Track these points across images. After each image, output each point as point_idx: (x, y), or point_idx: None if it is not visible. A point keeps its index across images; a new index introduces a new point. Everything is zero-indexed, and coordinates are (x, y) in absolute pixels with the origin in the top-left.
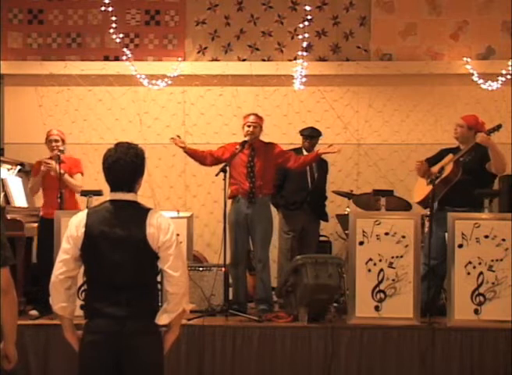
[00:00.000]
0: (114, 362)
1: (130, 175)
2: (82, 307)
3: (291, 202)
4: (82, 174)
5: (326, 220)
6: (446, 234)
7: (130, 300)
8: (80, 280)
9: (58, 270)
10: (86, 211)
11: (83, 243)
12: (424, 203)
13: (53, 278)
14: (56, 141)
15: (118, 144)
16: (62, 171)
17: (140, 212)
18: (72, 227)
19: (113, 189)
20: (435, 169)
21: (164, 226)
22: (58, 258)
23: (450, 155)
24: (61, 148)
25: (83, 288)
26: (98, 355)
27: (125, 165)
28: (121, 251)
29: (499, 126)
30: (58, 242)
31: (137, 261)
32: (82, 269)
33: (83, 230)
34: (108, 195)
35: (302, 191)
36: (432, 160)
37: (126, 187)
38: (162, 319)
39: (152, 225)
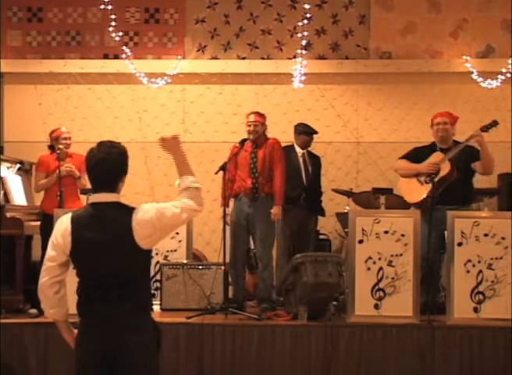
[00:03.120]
0: (107, 359)
1: (114, 174)
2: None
3: (286, 198)
4: None
5: (323, 215)
6: (445, 232)
7: (121, 297)
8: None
9: (44, 277)
10: (69, 216)
11: (72, 250)
12: (422, 204)
13: (40, 285)
14: (69, 138)
15: (100, 144)
16: (79, 175)
17: (124, 213)
18: (58, 235)
19: (96, 189)
20: (425, 168)
21: (146, 218)
22: (44, 266)
23: (439, 154)
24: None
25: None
26: (91, 353)
27: (108, 164)
28: (110, 253)
29: (495, 123)
30: None
31: (128, 261)
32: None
33: (69, 238)
34: None
35: (297, 188)
36: (409, 158)
37: (110, 187)
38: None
39: (138, 224)
